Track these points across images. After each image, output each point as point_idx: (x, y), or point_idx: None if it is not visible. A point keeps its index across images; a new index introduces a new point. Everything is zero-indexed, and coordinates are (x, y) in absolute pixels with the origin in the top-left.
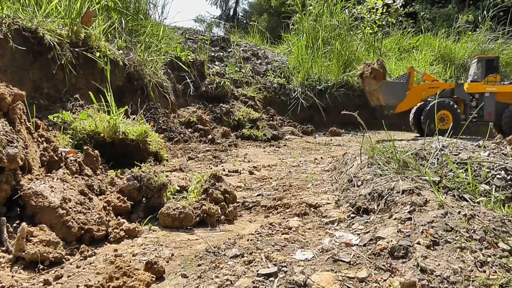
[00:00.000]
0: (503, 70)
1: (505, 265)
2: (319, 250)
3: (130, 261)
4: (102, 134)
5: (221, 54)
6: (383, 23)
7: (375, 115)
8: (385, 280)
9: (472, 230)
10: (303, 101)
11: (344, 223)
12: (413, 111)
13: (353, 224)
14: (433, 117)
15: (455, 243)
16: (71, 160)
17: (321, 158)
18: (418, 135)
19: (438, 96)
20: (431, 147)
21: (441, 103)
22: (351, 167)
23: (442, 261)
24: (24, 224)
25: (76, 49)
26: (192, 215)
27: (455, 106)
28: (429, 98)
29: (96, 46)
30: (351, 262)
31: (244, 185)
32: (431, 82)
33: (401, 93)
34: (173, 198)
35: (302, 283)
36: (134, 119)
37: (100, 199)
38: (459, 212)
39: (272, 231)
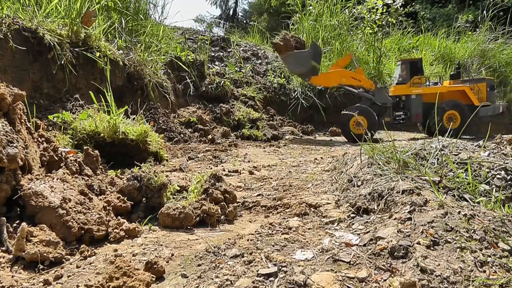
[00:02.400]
0: (503, 70)
1: (505, 265)
2: (319, 250)
3: (130, 261)
4: (102, 134)
5: (221, 54)
6: (383, 23)
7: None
8: (385, 280)
9: (472, 230)
10: (303, 101)
11: (344, 223)
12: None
13: (353, 224)
14: (347, 122)
15: (455, 243)
16: (71, 160)
17: (321, 158)
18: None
19: (364, 93)
20: (431, 147)
21: (357, 109)
22: (351, 167)
23: (442, 261)
24: (24, 224)
25: (76, 49)
26: (192, 215)
27: (372, 111)
28: (346, 86)
29: (96, 46)
30: (351, 262)
31: (244, 185)
32: (358, 75)
33: (305, 62)
34: (173, 198)
35: (302, 283)
36: (134, 119)
37: (100, 199)
38: (459, 212)
39: (272, 231)
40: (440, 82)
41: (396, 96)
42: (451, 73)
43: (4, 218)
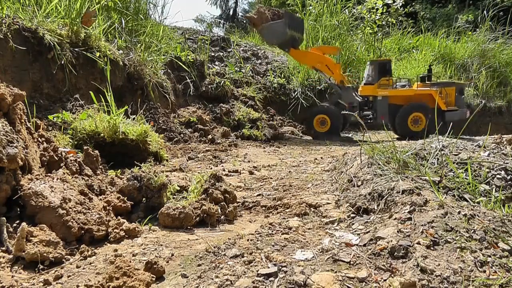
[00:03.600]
0: (503, 70)
1: (505, 265)
2: (319, 250)
3: (130, 261)
4: (102, 134)
5: (221, 54)
6: (383, 23)
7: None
8: (385, 280)
9: (472, 230)
10: (303, 101)
11: (344, 223)
12: None
13: (353, 224)
14: (311, 120)
15: (455, 243)
16: (71, 160)
17: (321, 158)
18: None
19: (334, 84)
20: (431, 147)
21: (320, 108)
22: (351, 167)
23: (442, 261)
24: (24, 224)
25: (76, 49)
26: (192, 215)
27: (335, 110)
28: (320, 72)
29: (96, 46)
30: (351, 262)
31: (244, 185)
32: (334, 68)
33: (280, 32)
34: (173, 198)
35: (302, 283)
36: (134, 119)
37: (100, 199)
38: (459, 212)
39: (272, 231)
40: (408, 85)
41: (364, 96)
42: (421, 75)
43: (4, 218)
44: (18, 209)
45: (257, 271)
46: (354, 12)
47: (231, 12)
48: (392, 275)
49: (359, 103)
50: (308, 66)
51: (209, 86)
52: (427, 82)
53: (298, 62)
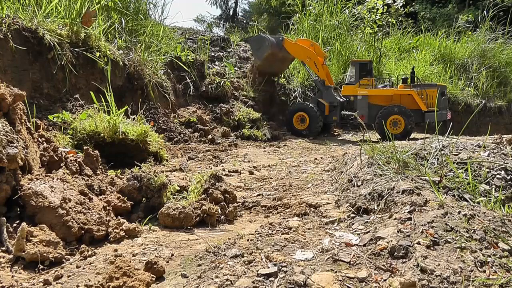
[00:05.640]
0: (503, 70)
1: (505, 265)
2: (319, 250)
3: (130, 261)
4: (102, 134)
5: (221, 54)
6: (383, 23)
7: None
8: (385, 280)
9: (472, 230)
10: (303, 101)
11: (344, 223)
12: None
13: (353, 224)
14: (291, 118)
15: (455, 243)
16: (71, 160)
17: (321, 158)
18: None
19: (319, 82)
20: (431, 147)
21: (299, 106)
22: (351, 167)
23: (442, 261)
24: (24, 224)
25: (76, 49)
26: (192, 215)
27: (313, 108)
28: (307, 67)
29: (96, 46)
30: (351, 262)
31: (244, 185)
32: (322, 68)
33: (262, 44)
34: (173, 198)
35: (302, 283)
36: (134, 119)
37: (100, 199)
38: (459, 212)
39: (272, 231)
40: (388, 85)
41: (346, 96)
42: (403, 77)
43: (4, 218)
44: (18, 209)
45: (257, 271)
46: (354, 12)
47: (231, 12)
48: (392, 275)
49: (341, 103)
50: (298, 59)
51: (209, 86)
52: (408, 83)
53: (290, 53)
